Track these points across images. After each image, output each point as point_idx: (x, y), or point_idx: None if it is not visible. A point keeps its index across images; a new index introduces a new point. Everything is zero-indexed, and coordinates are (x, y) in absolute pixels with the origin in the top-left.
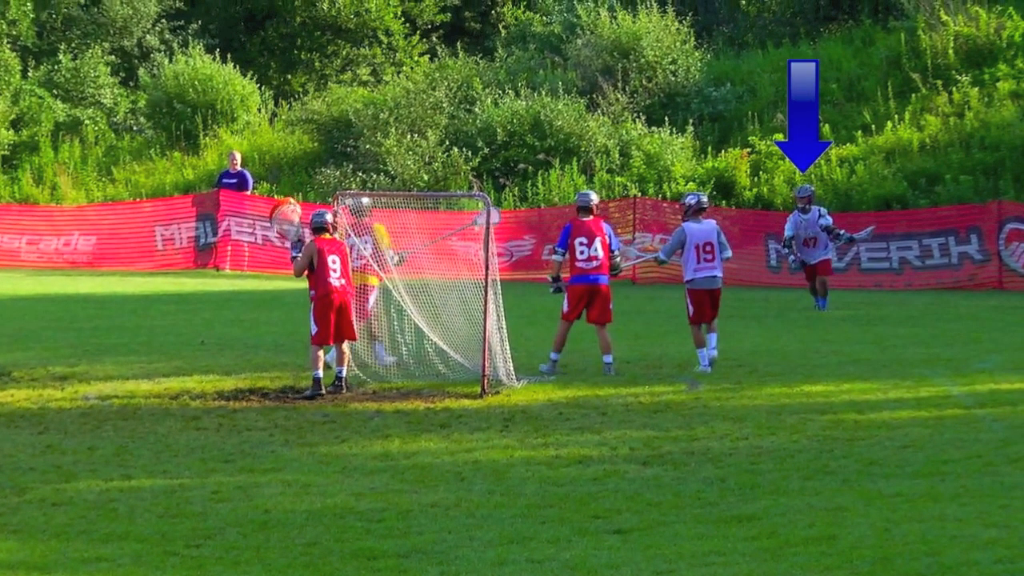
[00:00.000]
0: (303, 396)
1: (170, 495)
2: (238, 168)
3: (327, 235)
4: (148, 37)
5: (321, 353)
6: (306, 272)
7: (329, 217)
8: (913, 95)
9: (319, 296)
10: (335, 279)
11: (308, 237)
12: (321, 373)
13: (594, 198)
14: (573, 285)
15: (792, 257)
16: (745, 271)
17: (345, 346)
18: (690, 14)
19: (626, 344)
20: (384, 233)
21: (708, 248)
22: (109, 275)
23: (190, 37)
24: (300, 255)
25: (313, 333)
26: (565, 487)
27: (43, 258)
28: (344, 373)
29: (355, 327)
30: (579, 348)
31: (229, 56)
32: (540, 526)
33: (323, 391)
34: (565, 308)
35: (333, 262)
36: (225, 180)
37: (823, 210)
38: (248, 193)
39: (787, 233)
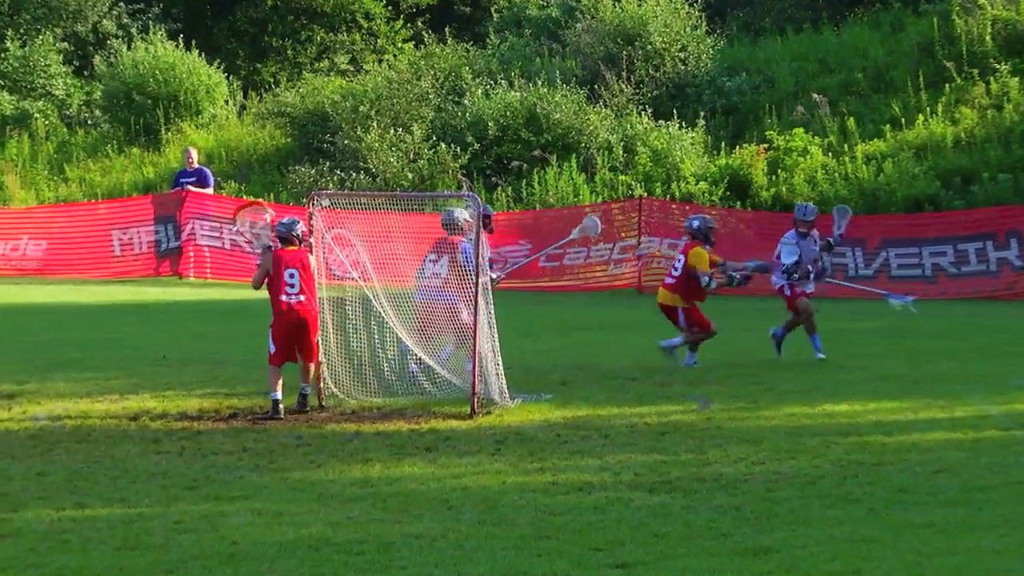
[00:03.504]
0: (262, 418)
1: (128, 525)
2: (195, 166)
3: (294, 246)
4: (105, 22)
5: (279, 375)
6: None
7: (299, 227)
8: (947, 85)
9: (274, 313)
10: (291, 295)
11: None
12: (280, 395)
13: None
14: None
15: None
16: (761, 278)
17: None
18: None
19: (631, 359)
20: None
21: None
22: (61, 283)
23: (151, 22)
24: (259, 265)
25: (270, 352)
26: (563, 516)
27: None
28: (307, 391)
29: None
30: (583, 364)
31: (194, 43)
32: (535, 559)
33: (282, 415)
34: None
35: (291, 276)
36: (183, 180)
37: (815, 233)
38: (211, 192)
39: (789, 259)
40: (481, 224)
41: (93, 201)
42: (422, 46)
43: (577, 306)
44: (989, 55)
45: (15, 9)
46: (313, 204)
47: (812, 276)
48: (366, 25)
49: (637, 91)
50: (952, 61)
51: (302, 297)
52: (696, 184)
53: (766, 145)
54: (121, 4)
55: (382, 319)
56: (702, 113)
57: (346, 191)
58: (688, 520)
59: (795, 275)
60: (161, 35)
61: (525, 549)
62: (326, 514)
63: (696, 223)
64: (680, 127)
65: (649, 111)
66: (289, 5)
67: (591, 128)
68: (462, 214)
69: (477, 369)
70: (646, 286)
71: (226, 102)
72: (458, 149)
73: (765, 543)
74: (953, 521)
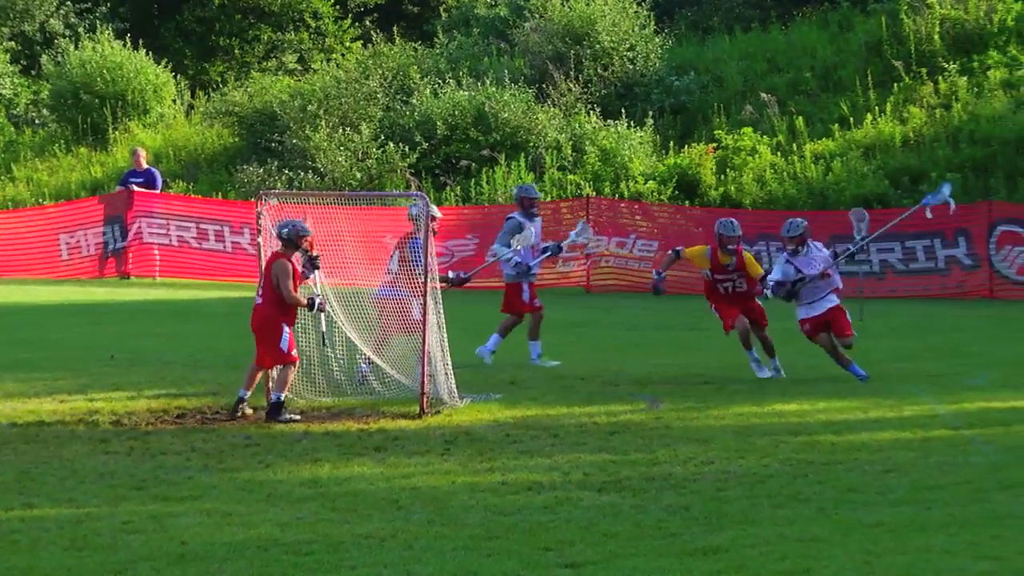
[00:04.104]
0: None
1: (76, 525)
2: (144, 166)
3: (293, 248)
4: (52, 21)
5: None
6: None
7: (287, 230)
8: (895, 85)
9: None
10: (257, 296)
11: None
12: (246, 394)
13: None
14: None
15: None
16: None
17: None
18: None
19: (580, 359)
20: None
21: None
22: (8, 283)
23: (98, 21)
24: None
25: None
26: (512, 516)
27: None
28: (245, 395)
29: (271, 354)
30: (527, 362)
31: (141, 42)
32: (485, 559)
33: (239, 414)
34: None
35: (263, 278)
36: (132, 180)
37: (818, 244)
38: (158, 192)
39: (774, 278)
40: (429, 225)
41: (41, 206)
42: (370, 45)
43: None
44: (938, 54)
45: None
46: (261, 203)
47: (821, 292)
48: (314, 24)
49: (585, 90)
50: (900, 60)
51: (258, 300)
52: (645, 183)
53: (715, 144)
54: (68, 3)
55: (331, 318)
56: (651, 112)
57: (294, 190)
58: (637, 520)
59: (779, 295)
60: (108, 34)
61: (475, 549)
62: (275, 514)
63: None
64: (629, 126)
65: (597, 110)
66: (236, 4)
67: (540, 127)
68: (416, 209)
69: (426, 368)
70: (594, 285)
71: (174, 101)
72: (407, 148)
73: (714, 543)
74: (903, 520)
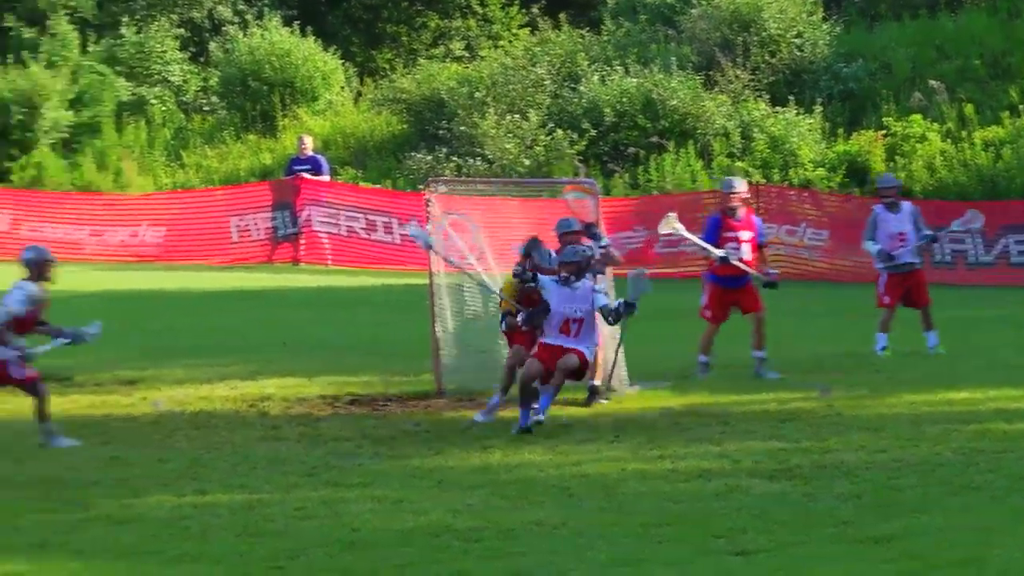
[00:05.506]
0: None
1: (248, 512)
2: (309, 153)
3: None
4: (220, 8)
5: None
6: None
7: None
8: None
9: None
10: None
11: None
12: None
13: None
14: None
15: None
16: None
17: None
18: None
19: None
20: None
21: None
22: (180, 269)
23: (266, 8)
24: None
25: None
26: (683, 504)
27: (107, 251)
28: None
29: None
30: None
31: (309, 29)
32: (656, 546)
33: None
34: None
35: None
36: (296, 167)
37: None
38: (326, 180)
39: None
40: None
41: (210, 188)
42: (537, 32)
43: (694, 293)
44: None
45: None
46: (430, 190)
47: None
48: (481, 11)
49: (753, 77)
50: None
51: None
52: (814, 170)
53: (884, 131)
54: None
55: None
56: (819, 99)
57: (463, 178)
58: (808, 508)
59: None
60: (276, 21)
61: (645, 536)
62: (446, 501)
63: None
64: (797, 113)
65: (766, 97)
66: None
67: (708, 114)
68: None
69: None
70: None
71: (342, 88)
72: (574, 135)
73: (886, 531)
74: None
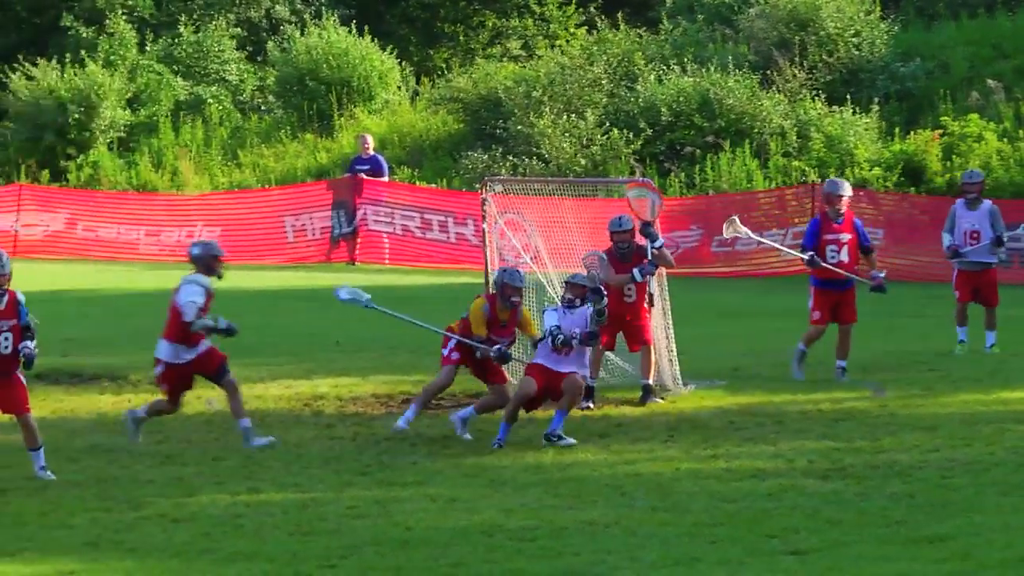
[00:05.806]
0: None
1: (302, 510)
2: (371, 153)
3: None
4: (278, 7)
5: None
6: None
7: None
8: None
9: None
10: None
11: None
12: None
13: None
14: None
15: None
16: (937, 266)
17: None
18: None
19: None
20: None
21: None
22: (235, 269)
23: (323, 8)
24: None
25: None
26: (736, 503)
27: (164, 251)
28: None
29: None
30: (755, 350)
31: (366, 29)
32: (709, 546)
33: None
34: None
35: None
36: (357, 166)
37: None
38: (385, 180)
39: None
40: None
41: (267, 187)
42: (594, 31)
43: (750, 293)
44: None
45: None
46: (486, 190)
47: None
48: (538, 11)
49: (810, 76)
50: None
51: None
52: (870, 170)
53: (940, 131)
54: None
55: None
56: (876, 99)
57: (519, 177)
58: (862, 507)
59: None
60: (334, 21)
61: (698, 536)
62: (499, 500)
63: None
64: (854, 112)
65: (823, 96)
66: None
67: (764, 114)
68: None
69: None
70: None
71: (399, 88)
72: (631, 135)
73: (939, 531)
74: None
